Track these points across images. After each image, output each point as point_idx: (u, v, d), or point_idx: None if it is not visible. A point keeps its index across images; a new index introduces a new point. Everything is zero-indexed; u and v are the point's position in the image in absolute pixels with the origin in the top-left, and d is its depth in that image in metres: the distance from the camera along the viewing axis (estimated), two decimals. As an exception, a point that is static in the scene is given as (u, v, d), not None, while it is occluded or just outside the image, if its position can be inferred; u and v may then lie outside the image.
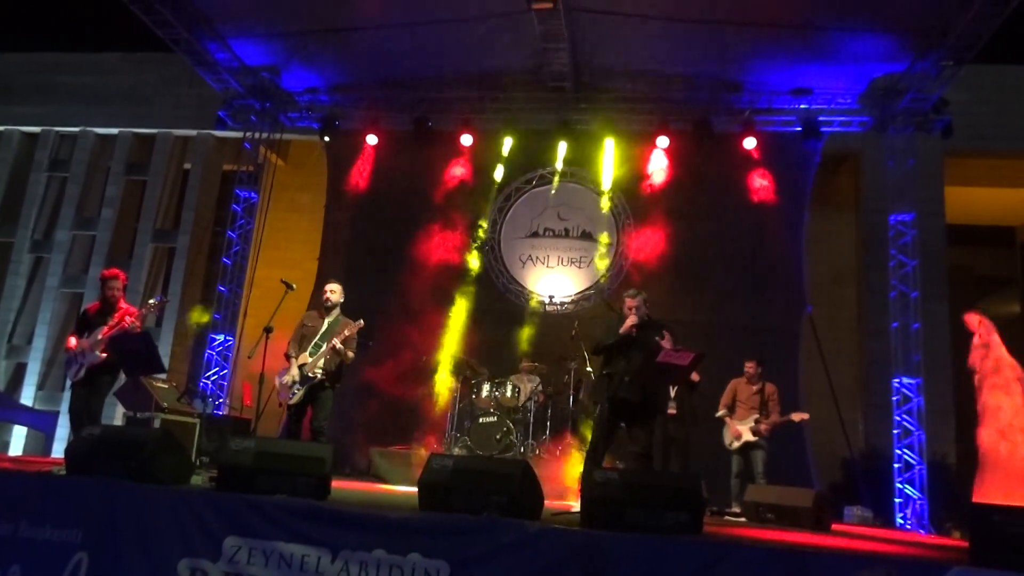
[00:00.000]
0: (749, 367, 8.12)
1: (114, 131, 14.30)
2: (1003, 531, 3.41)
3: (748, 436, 7.90)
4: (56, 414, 12.97)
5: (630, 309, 5.89)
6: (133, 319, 6.30)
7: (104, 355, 6.19)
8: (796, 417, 7.94)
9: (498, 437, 8.77)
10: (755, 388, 8.04)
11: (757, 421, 7.89)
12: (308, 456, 4.42)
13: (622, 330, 5.79)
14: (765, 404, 7.97)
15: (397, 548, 3.72)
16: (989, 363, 6.54)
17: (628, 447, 5.81)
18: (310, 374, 6.35)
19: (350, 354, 6.45)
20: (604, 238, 11.43)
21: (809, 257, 11.17)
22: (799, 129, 10.37)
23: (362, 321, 6.55)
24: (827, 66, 9.88)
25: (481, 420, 8.96)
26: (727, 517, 7.35)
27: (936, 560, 3.90)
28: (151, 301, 6.83)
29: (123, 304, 6.49)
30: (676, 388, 7.88)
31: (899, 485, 9.26)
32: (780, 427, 7.99)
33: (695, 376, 7.87)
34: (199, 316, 10.91)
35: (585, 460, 6.07)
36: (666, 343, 5.77)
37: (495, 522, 3.74)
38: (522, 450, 8.75)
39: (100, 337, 6.22)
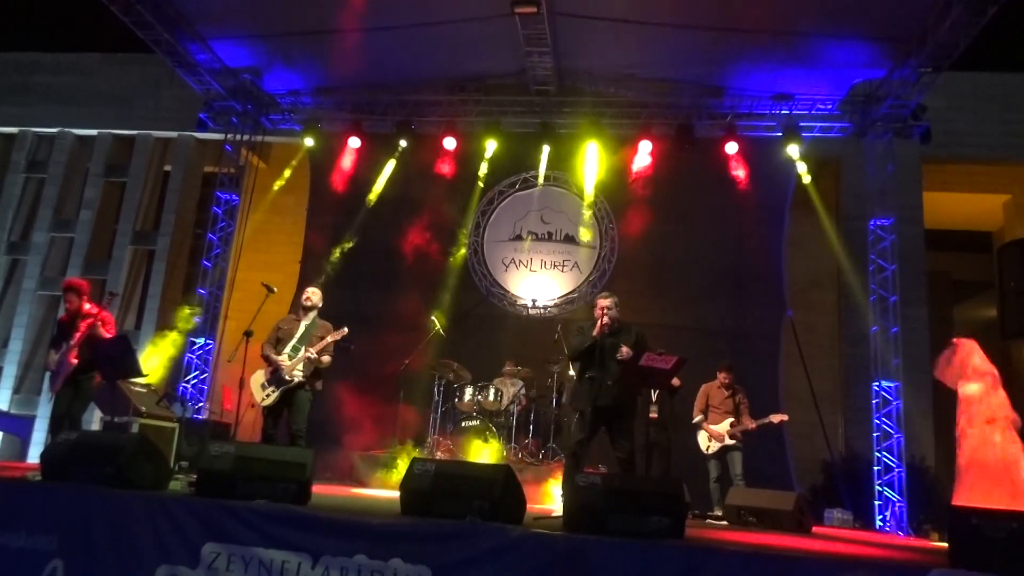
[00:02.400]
0: (722, 376, 8.16)
1: (93, 132, 14.12)
2: (982, 534, 3.44)
3: (725, 440, 7.95)
4: (32, 418, 12.78)
5: (601, 311, 5.88)
6: (106, 326, 6.32)
7: (75, 361, 6.19)
8: (776, 418, 8.00)
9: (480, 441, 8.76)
10: (727, 393, 8.11)
11: (733, 424, 7.94)
12: (288, 461, 4.38)
13: (595, 332, 5.78)
14: (737, 408, 8.04)
15: (378, 554, 3.69)
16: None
17: (612, 453, 5.81)
18: (287, 377, 6.30)
19: (325, 358, 6.42)
20: (587, 242, 11.46)
21: (789, 262, 11.25)
22: (780, 134, 10.45)
23: (346, 329, 6.51)
24: (808, 72, 9.97)
25: (463, 424, 8.95)
26: (709, 521, 7.38)
27: (916, 563, 3.93)
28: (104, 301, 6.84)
29: (88, 310, 6.44)
30: (657, 393, 7.92)
31: (879, 488, 9.33)
32: (758, 429, 8.04)
33: (676, 381, 7.92)
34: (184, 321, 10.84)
35: (565, 465, 6.08)
36: (625, 351, 5.71)
37: (477, 527, 3.73)
38: (504, 454, 8.74)
39: (72, 345, 6.22)
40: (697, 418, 8.21)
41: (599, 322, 5.80)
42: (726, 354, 9.18)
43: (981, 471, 6.38)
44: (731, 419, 8.00)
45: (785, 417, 8.09)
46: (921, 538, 8.62)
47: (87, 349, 6.25)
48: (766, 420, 8.00)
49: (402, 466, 8.05)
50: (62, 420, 6.23)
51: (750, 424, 7.96)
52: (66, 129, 14.16)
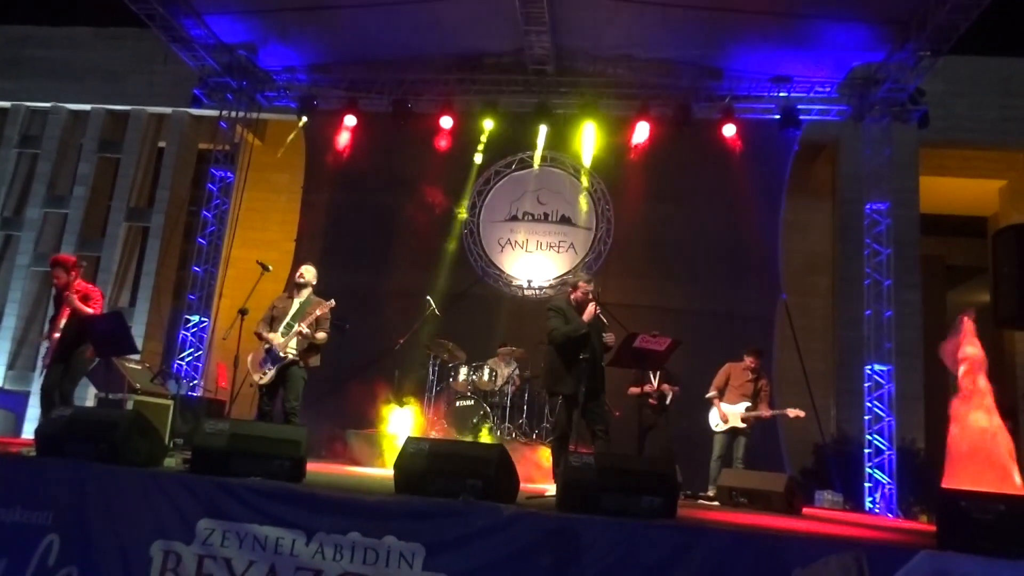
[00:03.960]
0: (750, 361, 8.11)
1: (87, 107, 14.02)
2: (969, 516, 3.48)
3: (736, 422, 7.95)
4: (27, 394, 12.80)
5: (585, 295, 5.94)
6: (92, 301, 6.30)
7: (56, 335, 6.18)
8: (791, 413, 7.98)
9: (475, 421, 8.80)
10: (750, 377, 8.07)
11: (748, 409, 7.93)
12: (283, 439, 4.38)
13: (587, 317, 5.81)
14: (757, 394, 8.03)
15: (372, 531, 3.72)
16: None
17: (589, 428, 5.88)
18: (281, 354, 6.29)
19: (320, 335, 6.40)
20: (583, 223, 11.44)
21: (785, 245, 11.26)
22: (778, 117, 10.41)
23: (333, 301, 6.49)
24: (807, 54, 9.93)
25: (458, 404, 8.98)
26: (701, 501, 7.44)
27: (905, 544, 3.97)
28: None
29: (77, 286, 6.42)
30: (658, 376, 7.98)
31: (869, 470, 9.41)
32: (769, 419, 8.07)
33: (675, 389, 8.01)
34: None
35: (554, 447, 6.15)
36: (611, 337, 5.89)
37: (471, 506, 3.75)
38: (498, 434, 8.78)
39: (56, 321, 6.22)
40: (711, 394, 8.19)
41: (591, 307, 5.84)
42: (721, 337, 9.24)
43: (971, 455, 6.45)
44: (747, 403, 8.00)
45: (802, 413, 8.03)
46: (910, 520, 8.72)
47: (76, 325, 6.23)
48: (782, 412, 8.03)
49: (396, 444, 8.08)
50: (51, 392, 6.22)
51: (765, 412, 7.97)
52: (59, 104, 14.04)
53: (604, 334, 5.89)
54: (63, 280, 6.39)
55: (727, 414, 8.01)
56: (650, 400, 7.96)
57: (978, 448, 6.47)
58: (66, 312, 6.23)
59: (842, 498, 8.97)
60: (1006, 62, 12.38)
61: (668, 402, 8.19)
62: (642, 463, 4.24)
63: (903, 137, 10.85)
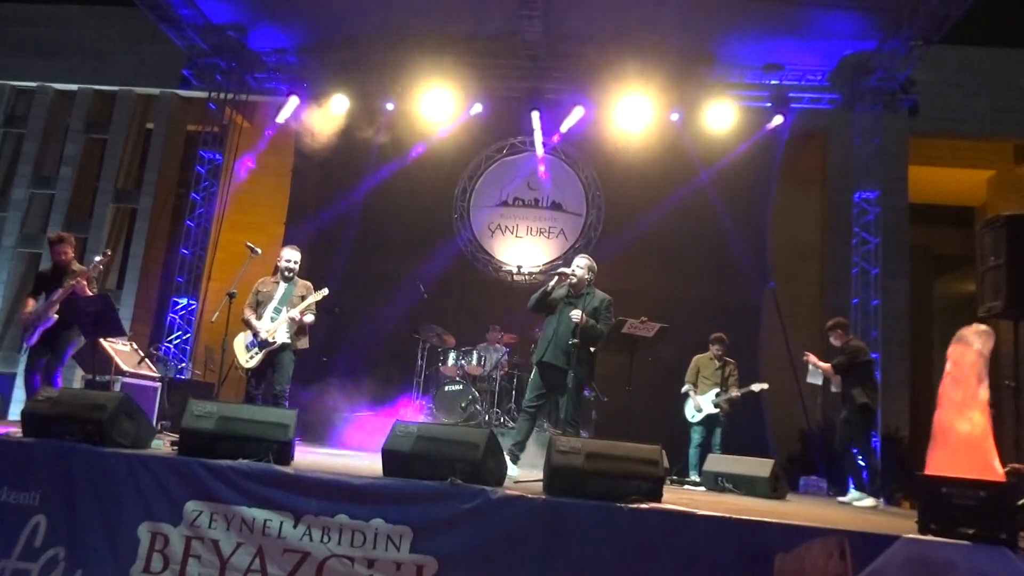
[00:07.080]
0: (714, 348, 8.26)
1: (73, 87, 13.86)
2: (950, 502, 3.53)
3: (710, 409, 8.06)
4: (13, 376, 12.72)
5: (572, 268, 5.88)
6: (84, 280, 6.22)
7: (56, 316, 6.12)
8: (756, 387, 8.11)
9: (463, 405, 8.82)
10: (717, 364, 8.20)
11: (718, 395, 8.05)
12: (271, 422, 4.38)
13: (550, 285, 5.79)
14: (726, 380, 8.13)
15: (360, 514, 3.73)
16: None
17: (557, 414, 5.86)
18: (269, 339, 6.25)
19: (309, 317, 6.35)
20: (573, 209, 11.44)
21: (774, 233, 11.30)
22: (769, 105, 10.42)
23: (326, 290, 6.45)
24: (799, 42, 9.93)
25: (446, 388, 9.00)
26: (687, 487, 7.50)
27: (886, 528, 4.02)
28: (96, 259, 6.71)
29: (76, 266, 6.39)
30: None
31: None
32: (741, 398, 8.16)
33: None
34: None
35: (519, 421, 6.07)
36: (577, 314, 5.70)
37: (458, 488, 3.77)
38: (487, 418, 8.81)
39: (54, 299, 6.14)
40: (685, 387, 8.32)
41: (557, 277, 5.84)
42: (709, 324, 9.26)
43: (954, 444, 6.51)
44: (717, 389, 8.12)
45: (765, 386, 8.23)
46: (893, 506, 8.81)
47: (66, 306, 6.18)
48: (747, 389, 8.13)
49: (384, 428, 8.09)
50: (34, 375, 6.18)
51: (735, 393, 8.08)
52: (45, 83, 13.87)
53: (573, 312, 5.70)
54: (70, 256, 6.35)
55: (701, 404, 8.14)
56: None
57: (961, 438, 6.53)
58: (63, 294, 6.16)
59: (826, 484, 9.06)
60: (996, 52, 12.40)
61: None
62: (629, 448, 4.27)
63: (893, 126, 10.88)
